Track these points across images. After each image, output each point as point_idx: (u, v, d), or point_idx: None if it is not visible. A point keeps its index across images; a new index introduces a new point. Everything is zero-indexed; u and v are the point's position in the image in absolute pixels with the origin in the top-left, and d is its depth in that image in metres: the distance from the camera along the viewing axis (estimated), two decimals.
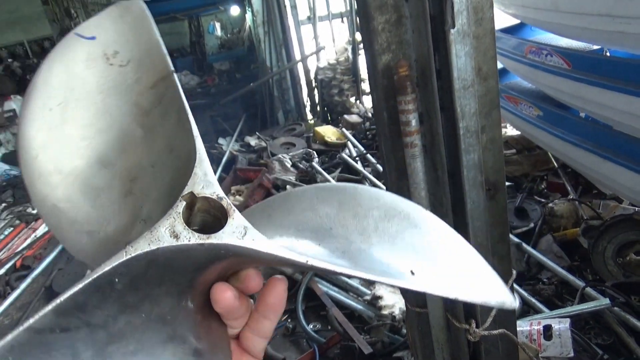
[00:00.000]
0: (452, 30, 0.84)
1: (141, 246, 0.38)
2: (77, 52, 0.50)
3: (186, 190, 0.41)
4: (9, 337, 0.33)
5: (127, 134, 0.50)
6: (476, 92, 0.93)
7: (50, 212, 0.48)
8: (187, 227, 0.40)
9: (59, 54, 0.51)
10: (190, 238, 0.39)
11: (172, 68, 0.50)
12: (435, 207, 1.04)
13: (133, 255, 0.38)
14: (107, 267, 0.37)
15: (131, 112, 0.51)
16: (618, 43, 2.93)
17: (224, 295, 0.43)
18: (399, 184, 1.03)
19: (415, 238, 0.46)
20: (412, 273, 0.43)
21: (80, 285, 0.36)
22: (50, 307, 0.35)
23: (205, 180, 0.42)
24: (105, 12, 0.52)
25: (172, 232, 0.39)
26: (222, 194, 0.42)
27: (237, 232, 0.40)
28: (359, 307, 2.93)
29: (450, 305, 1.13)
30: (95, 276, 0.37)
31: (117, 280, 0.38)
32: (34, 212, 6.14)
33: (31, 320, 0.34)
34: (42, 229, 5.78)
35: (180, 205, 0.41)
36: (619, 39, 2.69)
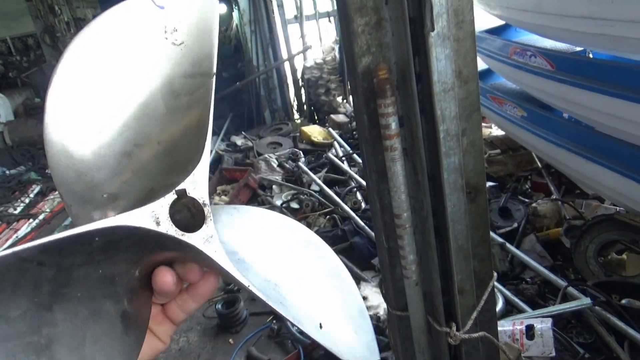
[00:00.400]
0: (432, 34, 0.84)
1: (127, 220, 0.43)
2: (143, 11, 0.54)
3: (181, 186, 0.46)
4: None
5: (150, 105, 0.54)
6: (457, 96, 0.92)
7: (55, 138, 0.51)
8: (169, 219, 0.45)
9: (127, 5, 0.54)
10: (169, 230, 0.45)
11: (215, 71, 0.55)
12: (416, 211, 1.04)
13: (120, 224, 0.43)
14: (97, 225, 0.41)
15: (163, 88, 0.54)
16: (600, 45, 2.97)
17: (165, 279, 0.49)
18: (380, 187, 1.03)
19: (335, 297, 0.60)
20: (320, 326, 0.53)
21: (68, 233, 0.41)
22: (38, 242, 0.39)
23: (199, 183, 0.47)
24: None
25: (155, 218, 0.44)
26: (207, 200, 0.47)
27: (206, 238, 0.46)
28: None
29: (431, 309, 1.13)
30: (84, 230, 0.41)
31: (97, 239, 0.43)
32: (15, 212, 6.03)
33: (18, 248, 0.38)
34: (24, 229, 5.69)
35: (170, 197, 0.46)
36: (601, 41, 2.73)
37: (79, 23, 11.68)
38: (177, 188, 0.46)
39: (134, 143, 0.53)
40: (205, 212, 0.47)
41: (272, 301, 0.49)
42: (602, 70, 2.77)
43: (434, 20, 0.83)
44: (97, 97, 0.52)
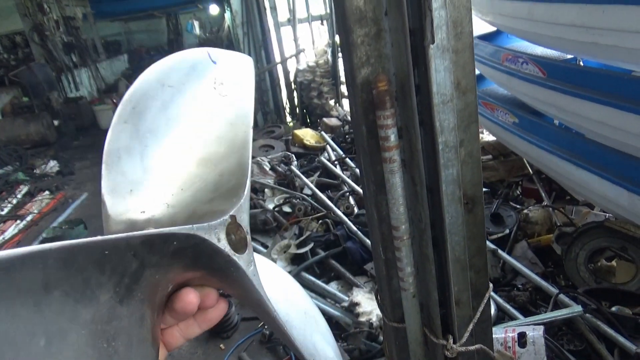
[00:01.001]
0: (431, 46, 0.83)
1: (200, 230, 0.45)
2: (199, 63, 0.62)
3: (232, 212, 0.50)
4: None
5: (195, 142, 0.60)
6: (455, 107, 0.92)
7: (115, 147, 0.55)
8: (226, 238, 0.48)
9: (186, 55, 0.63)
10: (225, 247, 0.48)
11: (252, 123, 0.61)
12: (414, 223, 1.03)
13: (196, 233, 0.45)
14: (181, 230, 0.44)
15: (208, 130, 0.60)
16: (591, 53, 2.99)
17: (191, 300, 0.49)
18: (377, 198, 1.02)
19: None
20: None
21: (165, 231, 0.43)
22: (144, 233, 0.41)
23: (243, 213, 0.52)
24: (232, 52, 0.65)
25: (217, 235, 0.47)
26: (249, 229, 0.52)
27: (248, 262, 0.50)
28: (337, 313, 2.92)
29: (427, 320, 1.12)
30: (176, 230, 0.43)
31: (175, 243, 0.44)
32: (2, 213, 5.94)
33: (128, 235, 0.40)
34: (11, 230, 5.60)
35: (227, 221, 0.49)
36: (592, 49, 2.75)
37: (68, 21, 11.57)
38: (230, 213, 0.50)
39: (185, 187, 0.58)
40: (248, 240, 0.51)
41: (295, 330, 0.54)
42: (592, 78, 2.79)
43: (434, 32, 0.83)
44: (157, 159, 0.57)
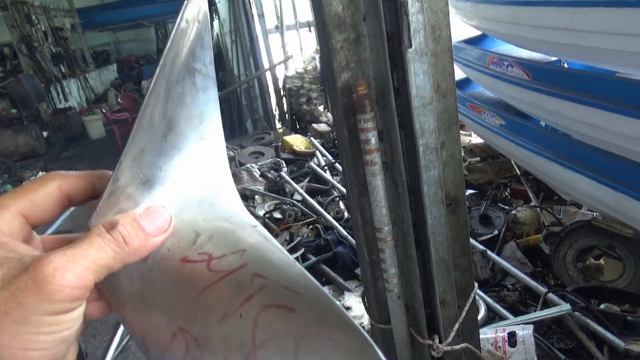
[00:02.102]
0: (409, 50, 0.85)
1: None
2: None
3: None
4: None
5: None
6: (435, 109, 0.93)
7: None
8: None
9: None
10: None
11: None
12: (397, 224, 1.04)
13: None
14: None
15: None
16: (574, 55, 3.04)
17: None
18: (361, 201, 1.03)
19: None
20: None
21: None
22: None
23: None
24: None
25: None
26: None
27: None
28: None
29: (413, 321, 1.14)
30: None
31: None
32: None
33: None
34: None
35: None
36: (575, 51, 2.80)
37: (57, 32, 11.53)
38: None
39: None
40: None
41: None
42: (576, 79, 2.84)
43: (412, 36, 0.84)
44: None
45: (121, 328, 3.29)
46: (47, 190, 0.46)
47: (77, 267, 0.39)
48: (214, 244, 0.48)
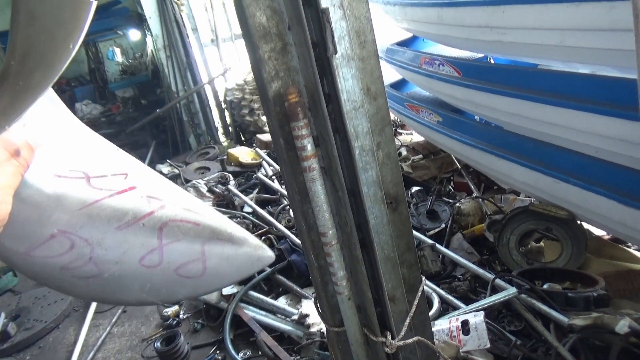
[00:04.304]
0: (335, 56, 0.87)
1: None
2: None
3: None
4: None
5: None
6: (367, 112, 0.96)
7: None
8: None
9: None
10: None
11: None
12: (341, 227, 1.06)
13: None
14: None
15: None
16: (498, 51, 3.21)
17: None
18: (303, 207, 1.04)
19: None
20: None
21: None
22: None
23: None
24: None
25: None
26: None
27: None
28: (288, 328, 2.90)
29: (365, 321, 1.15)
30: None
31: None
32: None
33: None
34: None
35: None
36: (498, 47, 2.95)
37: None
38: None
39: None
40: None
41: None
42: (502, 74, 2.98)
43: (337, 42, 0.86)
44: None
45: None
46: None
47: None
48: (89, 164, 0.55)
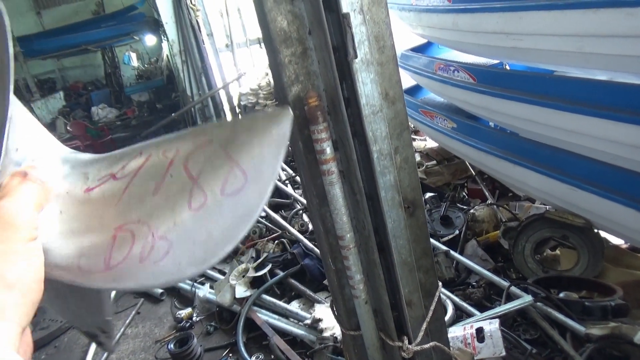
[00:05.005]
0: (355, 60, 0.87)
1: None
2: None
3: None
4: None
5: None
6: (385, 116, 0.96)
7: None
8: None
9: None
10: None
11: None
12: (359, 231, 1.06)
13: None
14: None
15: None
16: (514, 57, 3.19)
17: None
18: (321, 210, 1.04)
19: None
20: None
21: None
22: None
23: None
24: None
25: None
26: None
27: None
28: (300, 332, 2.90)
29: (382, 325, 1.15)
30: None
31: None
32: None
33: None
34: None
35: None
36: (514, 53, 2.93)
37: None
38: None
39: None
40: None
41: None
42: (518, 80, 2.97)
43: (356, 47, 0.87)
44: None
45: None
46: None
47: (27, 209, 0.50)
48: (109, 166, 0.57)
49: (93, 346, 3.30)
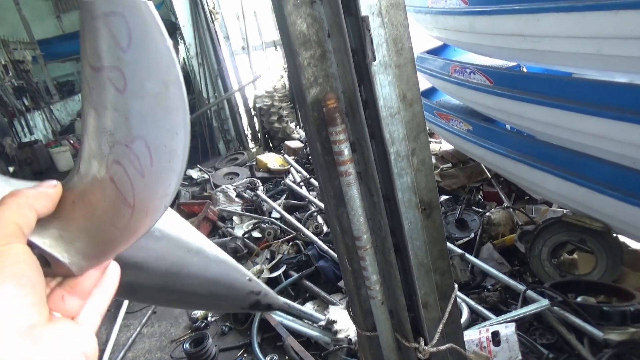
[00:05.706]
0: (374, 63, 0.88)
1: None
2: None
3: None
4: None
5: None
6: (403, 118, 0.97)
7: None
8: None
9: None
10: None
11: None
12: (375, 232, 1.07)
13: None
14: None
15: None
16: (531, 59, 3.16)
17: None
18: (338, 211, 1.05)
19: None
20: None
21: None
22: None
23: None
24: None
25: None
26: None
27: None
28: (315, 333, 2.91)
29: (398, 326, 1.15)
30: None
31: None
32: None
33: None
34: None
35: None
36: (532, 55, 2.91)
37: (18, 65, 11.30)
38: None
39: None
40: None
41: None
42: (535, 82, 2.95)
43: (375, 50, 0.88)
44: None
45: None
46: None
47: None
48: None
49: (110, 345, 3.35)
